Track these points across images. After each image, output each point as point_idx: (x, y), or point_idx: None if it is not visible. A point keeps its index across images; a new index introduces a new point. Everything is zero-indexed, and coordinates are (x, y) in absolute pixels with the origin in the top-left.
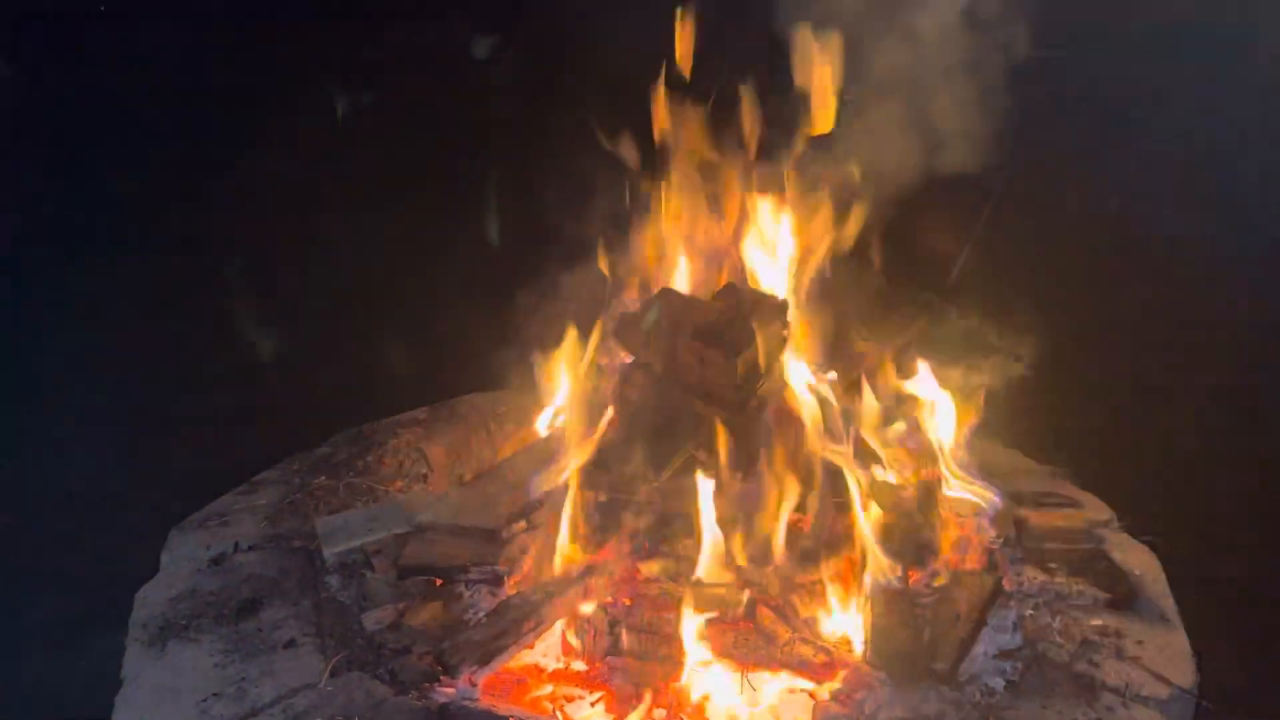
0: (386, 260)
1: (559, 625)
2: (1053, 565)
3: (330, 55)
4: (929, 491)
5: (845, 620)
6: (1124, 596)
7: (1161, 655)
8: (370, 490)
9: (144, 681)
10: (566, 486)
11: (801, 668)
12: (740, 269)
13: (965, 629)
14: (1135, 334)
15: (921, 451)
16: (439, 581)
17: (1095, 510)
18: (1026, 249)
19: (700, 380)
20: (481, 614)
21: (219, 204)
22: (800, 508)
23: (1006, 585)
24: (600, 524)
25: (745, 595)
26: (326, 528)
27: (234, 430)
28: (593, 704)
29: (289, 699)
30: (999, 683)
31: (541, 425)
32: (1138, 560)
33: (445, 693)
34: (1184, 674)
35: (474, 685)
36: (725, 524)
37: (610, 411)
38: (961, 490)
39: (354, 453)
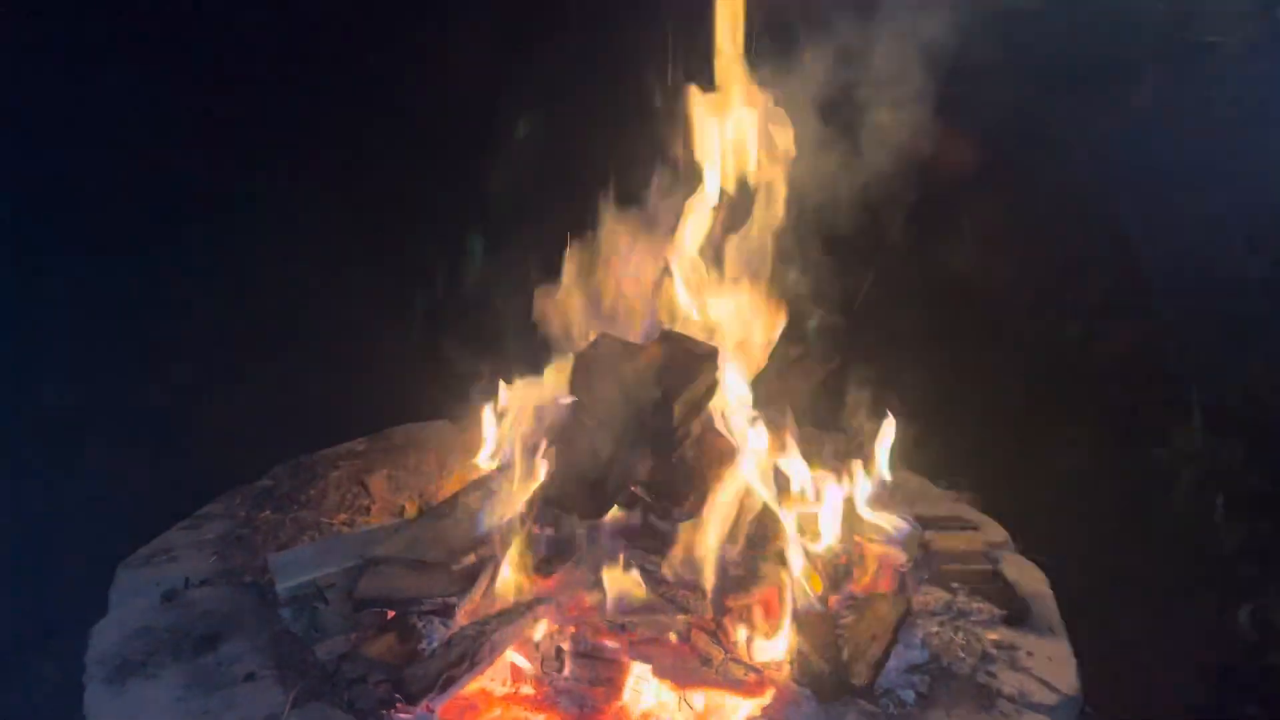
0: (315, 287)
1: (508, 652)
2: (955, 585)
3: (252, 67)
4: (845, 521)
5: (773, 642)
6: (1017, 612)
7: (1050, 665)
8: (316, 524)
9: (108, 719)
10: (513, 521)
11: (734, 686)
12: (672, 316)
13: (879, 647)
14: (1027, 361)
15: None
16: (391, 613)
17: (993, 533)
18: (923, 274)
19: (638, 421)
20: (435, 643)
21: (134, 231)
22: (731, 540)
23: (916, 603)
24: (546, 557)
25: (681, 620)
26: (278, 563)
27: (166, 461)
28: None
29: None
30: (910, 695)
31: (484, 460)
32: (1029, 578)
33: (403, 719)
34: (1069, 681)
35: (431, 712)
36: (662, 555)
37: (552, 450)
38: (874, 517)
39: (296, 485)
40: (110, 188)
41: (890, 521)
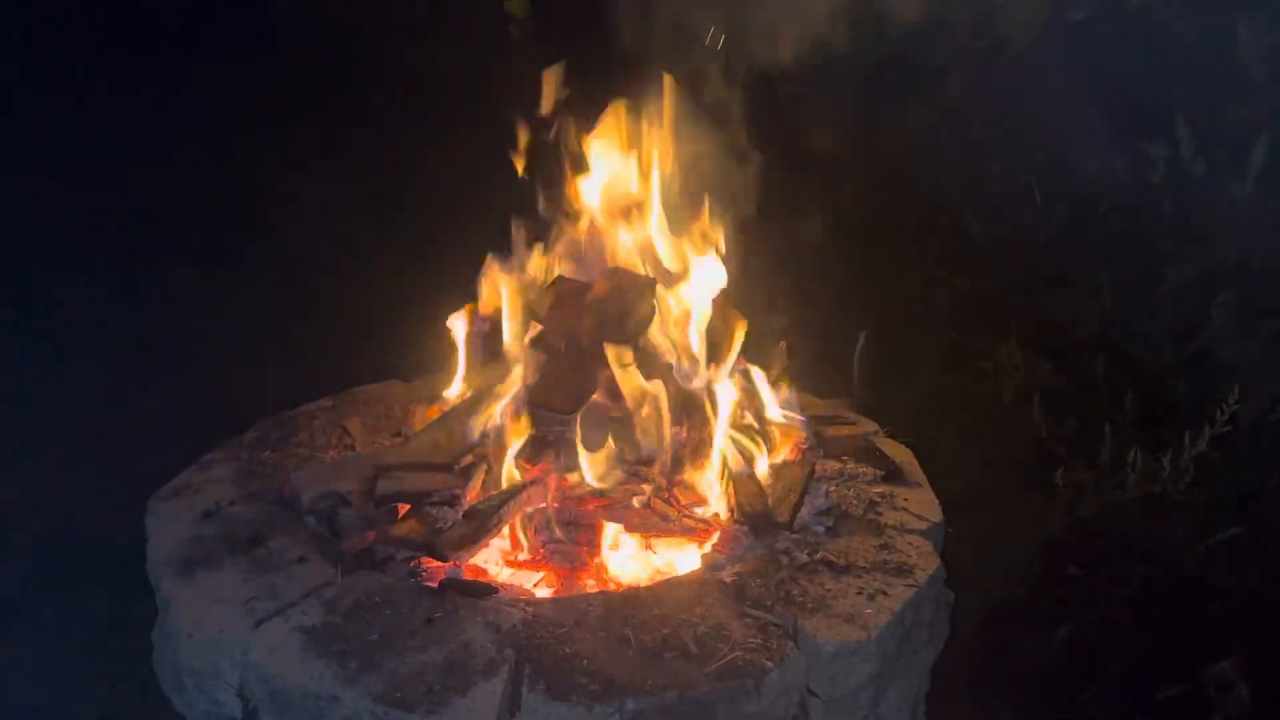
0: (283, 250)
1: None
2: (844, 457)
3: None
4: (760, 414)
5: (713, 502)
6: (891, 473)
7: (919, 505)
8: (313, 458)
9: (187, 599)
10: (501, 427)
11: (689, 534)
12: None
13: (795, 496)
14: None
15: (750, 391)
16: (405, 507)
17: (867, 426)
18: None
19: (598, 340)
20: (450, 523)
21: (101, 188)
22: (678, 425)
23: (817, 470)
24: (532, 451)
25: (646, 489)
26: (301, 479)
27: (122, 434)
28: (536, 584)
29: (318, 591)
30: (820, 529)
31: (454, 393)
32: (899, 453)
33: (432, 570)
34: (935, 514)
35: (458, 566)
36: (627, 442)
37: (527, 368)
38: (780, 415)
39: (284, 433)
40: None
41: (792, 417)
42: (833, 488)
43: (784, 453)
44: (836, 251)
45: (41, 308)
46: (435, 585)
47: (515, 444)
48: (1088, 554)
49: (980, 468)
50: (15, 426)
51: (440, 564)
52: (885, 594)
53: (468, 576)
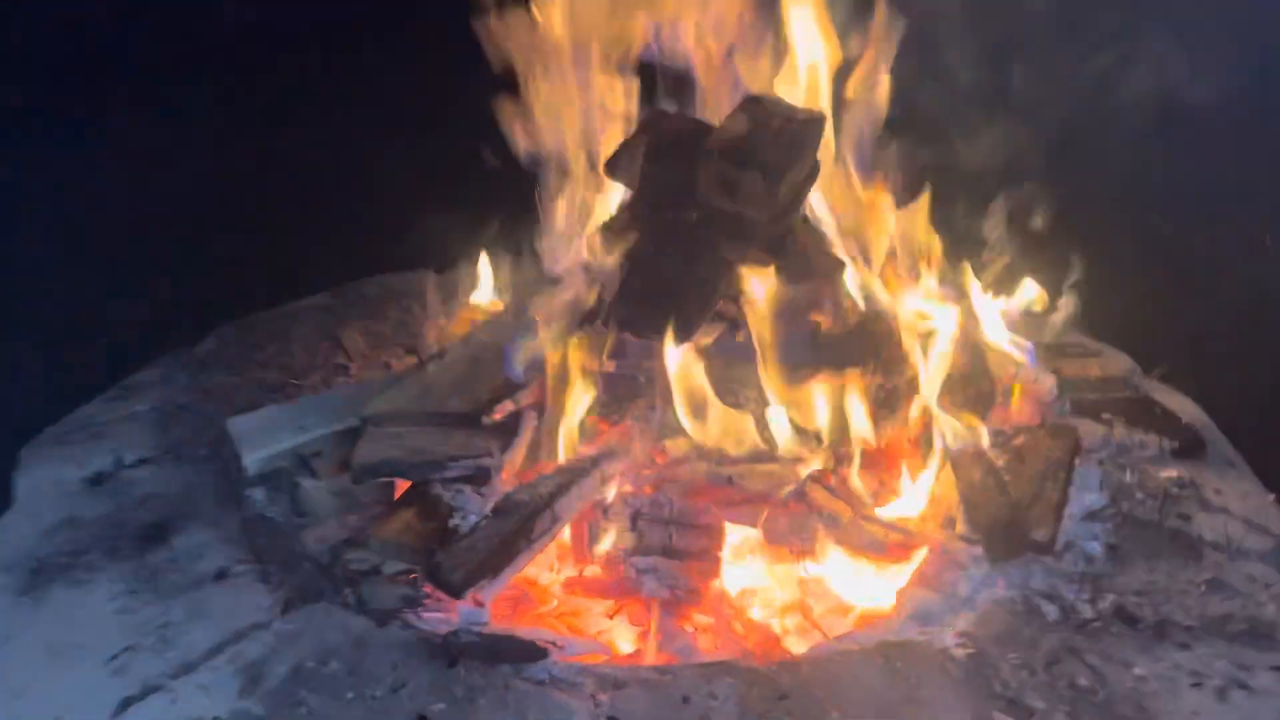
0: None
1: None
2: (1106, 416)
3: None
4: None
5: (914, 496)
6: (1188, 445)
7: (1245, 503)
8: (283, 387)
9: (25, 642)
10: (564, 358)
11: (873, 550)
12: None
13: (1054, 495)
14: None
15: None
16: (404, 485)
17: (1118, 360)
18: None
19: (729, 212)
20: (472, 518)
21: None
22: (855, 364)
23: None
24: (610, 400)
25: (801, 470)
26: (241, 429)
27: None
28: (611, 615)
29: (235, 644)
30: (1095, 548)
31: (487, 296)
32: (1185, 408)
33: (443, 618)
34: (1275, 520)
35: (481, 606)
36: (767, 389)
37: (607, 263)
38: (998, 342)
39: (249, 346)
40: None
41: (1016, 345)
42: (1102, 470)
43: (1014, 404)
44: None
45: None
46: (441, 640)
47: (584, 392)
48: None
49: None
50: None
51: (450, 598)
52: (1244, 686)
53: (498, 616)
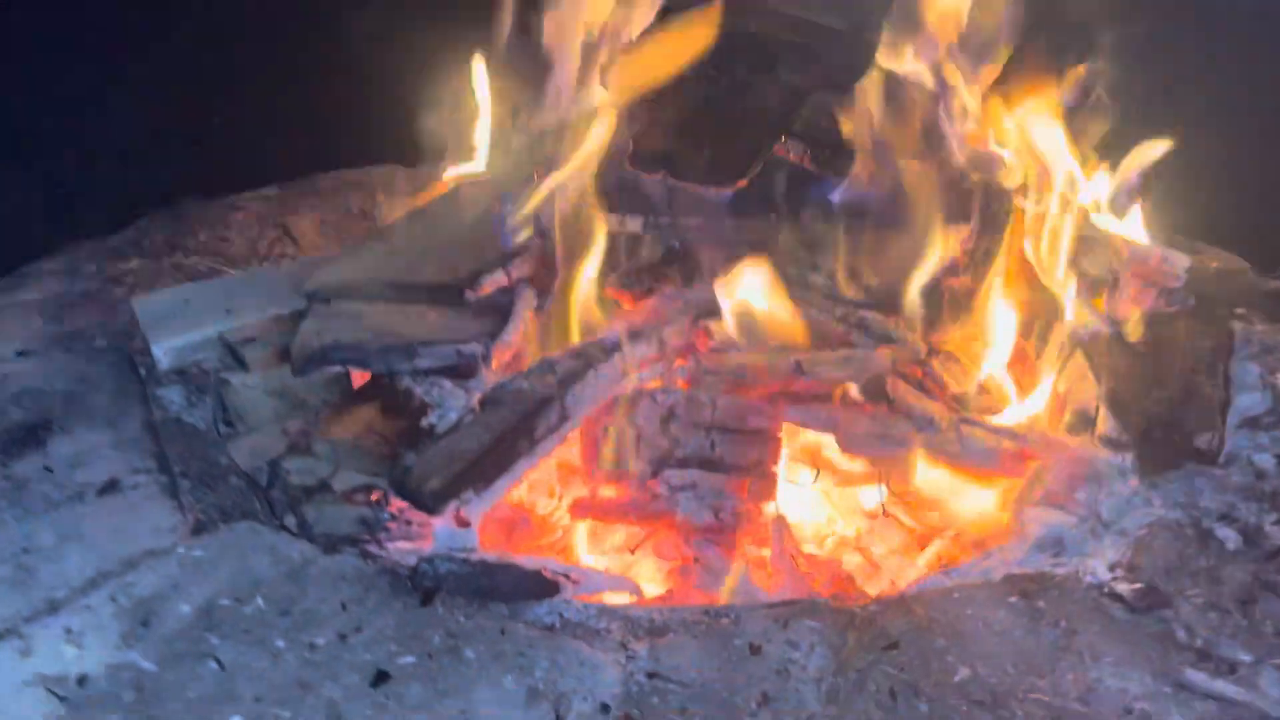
0: None
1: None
2: (1240, 311)
3: None
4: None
5: (1029, 394)
6: None
7: None
8: (216, 273)
9: None
10: (574, 217)
11: (979, 463)
12: None
13: (1210, 392)
14: None
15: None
16: (363, 376)
17: (1229, 257)
18: None
19: (794, 33)
20: (453, 415)
21: None
22: (946, 225)
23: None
24: (635, 269)
25: (885, 359)
26: (150, 311)
27: None
28: (634, 548)
29: (122, 576)
30: (1267, 460)
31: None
32: None
33: (414, 549)
34: None
35: (467, 526)
36: (838, 254)
37: (629, 94)
38: (1112, 225)
39: (178, 232)
40: None
41: (1132, 229)
42: (1259, 370)
43: (1134, 293)
44: None
45: None
46: (411, 571)
47: (600, 259)
48: None
49: None
50: None
51: (424, 516)
52: None
53: (488, 544)
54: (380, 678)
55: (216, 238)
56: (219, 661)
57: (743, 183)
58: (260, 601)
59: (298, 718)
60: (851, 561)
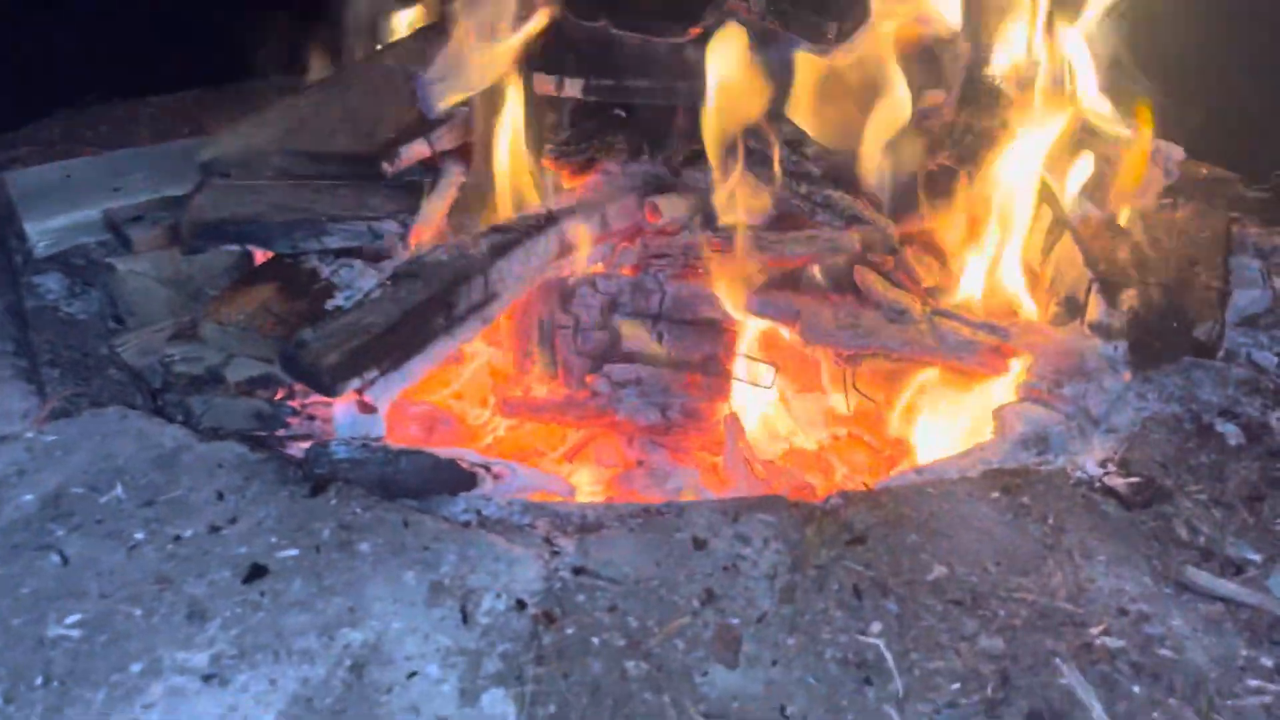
0: None
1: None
2: (1235, 214)
3: None
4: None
5: (1009, 280)
6: None
7: None
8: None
9: None
10: (506, 79)
11: (956, 356)
12: None
13: (1215, 278)
14: None
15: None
16: (261, 256)
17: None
18: None
19: None
20: (361, 293)
21: None
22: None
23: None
24: (576, 138)
25: (853, 240)
26: (29, 187)
27: None
28: (571, 455)
29: None
30: (1269, 358)
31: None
32: None
33: (310, 432)
34: None
35: (372, 411)
36: (807, 116)
37: None
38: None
39: (78, 127)
40: None
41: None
42: (1259, 266)
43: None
44: None
45: None
46: (301, 458)
47: (535, 126)
48: None
49: None
50: None
51: (326, 399)
52: None
53: (400, 435)
54: (255, 572)
55: (120, 133)
56: (62, 555)
57: (696, 31)
58: (120, 490)
59: (152, 616)
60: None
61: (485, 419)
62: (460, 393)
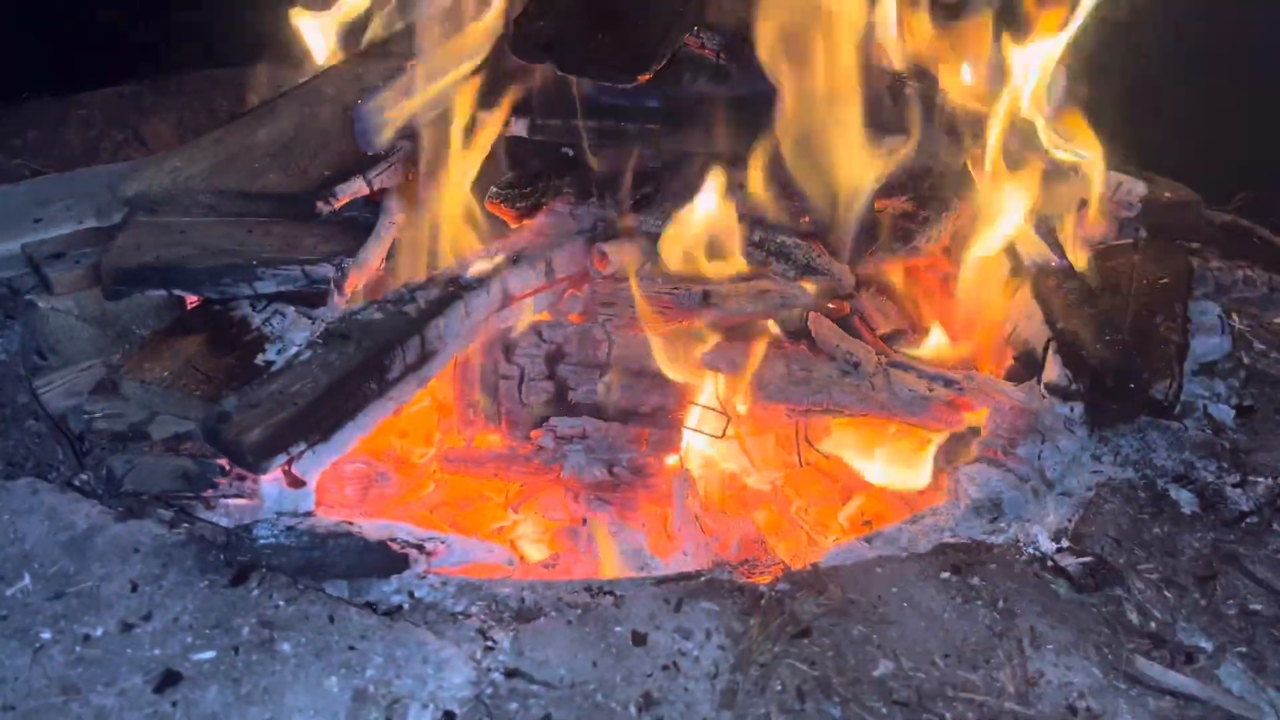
0: None
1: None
2: (1195, 245)
3: None
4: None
5: (965, 331)
6: None
7: None
8: (38, 175)
9: None
10: (449, 115)
11: (909, 412)
12: None
13: (1172, 335)
14: None
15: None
16: (192, 301)
17: (1178, 188)
18: None
19: None
20: (295, 349)
21: None
22: (879, 132)
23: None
24: (520, 180)
25: (808, 294)
26: None
27: None
28: (516, 505)
29: None
30: (1224, 412)
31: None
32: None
33: (234, 504)
34: None
35: (300, 485)
36: (766, 165)
37: None
38: (1055, 140)
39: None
40: None
41: (1078, 149)
42: (1218, 310)
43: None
44: None
45: None
46: (223, 539)
47: (478, 167)
48: None
49: None
50: None
51: (249, 475)
52: None
53: (332, 504)
54: (168, 679)
55: (48, 138)
56: None
57: (645, 77)
58: (27, 580)
59: None
60: (765, 520)
61: (428, 458)
62: (404, 429)
